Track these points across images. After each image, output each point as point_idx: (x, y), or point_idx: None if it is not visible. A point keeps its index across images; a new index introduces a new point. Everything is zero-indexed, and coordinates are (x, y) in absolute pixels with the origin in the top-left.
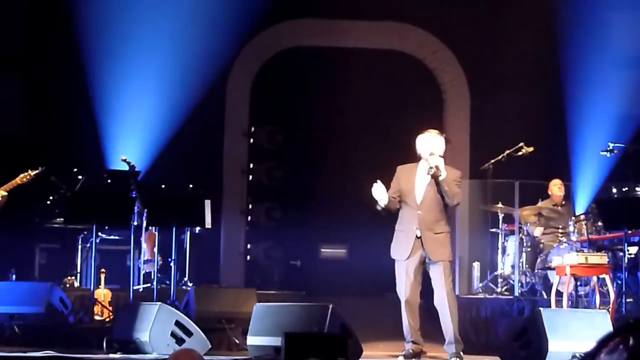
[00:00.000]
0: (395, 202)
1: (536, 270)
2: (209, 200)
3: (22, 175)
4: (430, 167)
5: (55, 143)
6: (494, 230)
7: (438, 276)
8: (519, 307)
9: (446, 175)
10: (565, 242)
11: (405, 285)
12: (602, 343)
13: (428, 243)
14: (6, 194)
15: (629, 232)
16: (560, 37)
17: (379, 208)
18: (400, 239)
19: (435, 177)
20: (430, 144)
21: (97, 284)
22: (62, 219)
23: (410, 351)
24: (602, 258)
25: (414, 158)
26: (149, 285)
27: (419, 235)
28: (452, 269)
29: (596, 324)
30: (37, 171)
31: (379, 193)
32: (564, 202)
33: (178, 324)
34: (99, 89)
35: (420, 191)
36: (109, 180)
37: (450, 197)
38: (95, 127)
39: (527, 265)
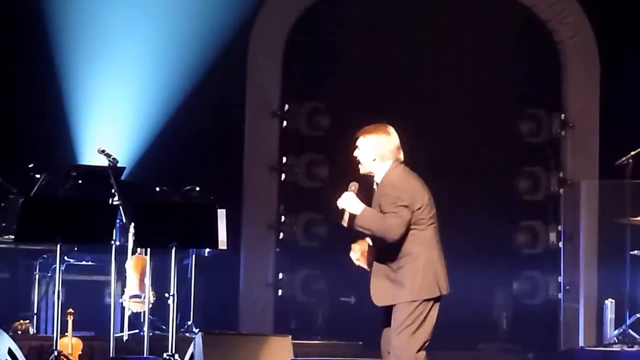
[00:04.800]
0: None
1: None
2: (224, 210)
3: None
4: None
5: (2, 130)
6: (635, 252)
7: (392, 324)
8: None
9: (361, 210)
10: None
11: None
12: None
13: (373, 284)
14: None
15: None
16: None
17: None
18: None
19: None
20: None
21: (63, 331)
22: (11, 237)
23: None
24: None
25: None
26: (137, 331)
27: None
28: (414, 311)
29: None
30: None
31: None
32: None
33: None
34: (68, 58)
35: None
36: (80, 181)
37: (381, 236)
38: (61, 106)
39: None
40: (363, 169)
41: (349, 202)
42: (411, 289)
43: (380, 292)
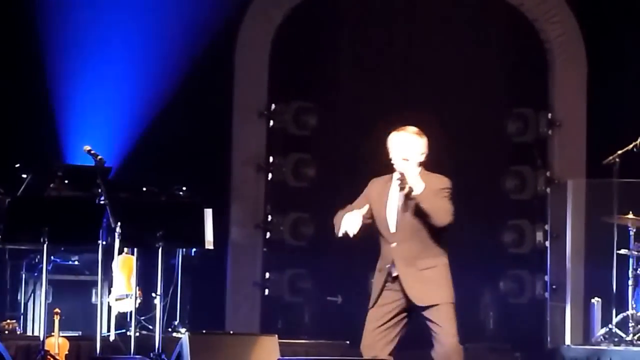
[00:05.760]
0: (369, 227)
1: None
2: (210, 210)
3: None
4: (398, 179)
5: None
6: (622, 252)
7: (436, 325)
8: None
9: (423, 187)
10: None
11: (363, 340)
12: None
13: (410, 284)
14: None
15: None
16: None
17: (340, 234)
18: (375, 281)
19: (406, 193)
20: (403, 148)
21: (50, 330)
22: None
23: None
24: None
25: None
26: (123, 331)
27: (394, 274)
28: (455, 313)
29: None
30: None
31: (352, 222)
32: None
33: None
34: (55, 57)
35: (392, 215)
36: (66, 181)
37: (435, 216)
38: (47, 106)
39: None
40: (406, 168)
41: (415, 177)
42: (450, 290)
43: (424, 294)
